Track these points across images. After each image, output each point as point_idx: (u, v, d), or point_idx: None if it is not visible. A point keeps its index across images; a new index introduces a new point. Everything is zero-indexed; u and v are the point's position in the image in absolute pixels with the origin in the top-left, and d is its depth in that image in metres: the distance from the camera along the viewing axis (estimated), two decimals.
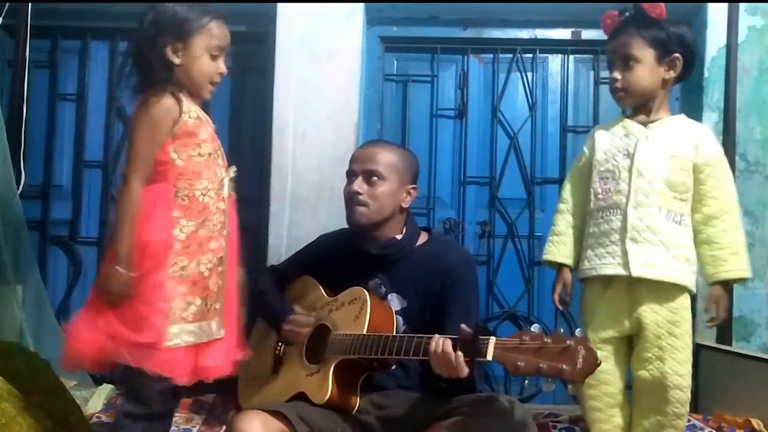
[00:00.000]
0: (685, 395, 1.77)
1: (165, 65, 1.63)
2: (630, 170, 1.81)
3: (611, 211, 1.83)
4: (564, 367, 1.41)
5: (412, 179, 1.98)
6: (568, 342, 1.43)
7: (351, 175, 1.95)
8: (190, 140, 1.61)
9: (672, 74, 1.83)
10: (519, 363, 1.45)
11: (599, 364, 1.42)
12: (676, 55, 1.81)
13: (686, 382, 1.77)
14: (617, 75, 1.83)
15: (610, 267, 1.81)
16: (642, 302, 1.79)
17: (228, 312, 1.66)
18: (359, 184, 1.91)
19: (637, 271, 1.77)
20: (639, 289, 1.80)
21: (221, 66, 1.69)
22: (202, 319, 1.59)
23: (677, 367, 1.75)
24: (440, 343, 1.58)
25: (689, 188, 1.80)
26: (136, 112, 1.62)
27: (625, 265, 1.78)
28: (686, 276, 1.79)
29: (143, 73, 1.64)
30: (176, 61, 1.63)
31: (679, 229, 1.79)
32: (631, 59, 1.80)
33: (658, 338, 1.76)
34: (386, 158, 1.93)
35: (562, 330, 1.47)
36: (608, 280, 1.85)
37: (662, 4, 1.80)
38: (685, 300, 1.80)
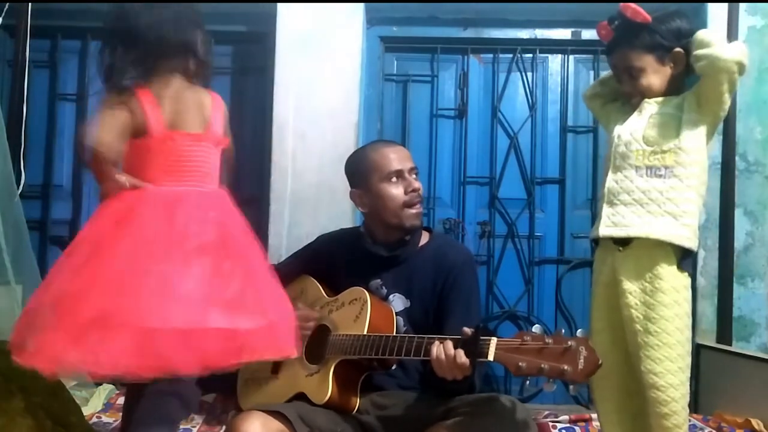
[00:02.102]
0: (664, 395, 1.68)
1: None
2: (615, 137, 1.80)
3: (605, 178, 1.82)
4: (565, 367, 1.41)
5: None
6: (569, 342, 1.43)
7: (398, 176, 1.89)
8: None
9: (679, 68, 1.79)
10: (520, 364, 1.45)
11: (601, 365, 1.42)
12: (677, 50, 1.78)
13: (663, 381, 1.68)
14: (628, 88, 1.82)
15: (594, 231, 1.80)
16: (621, 285, 1.73)
17: None
18: (417, 183, 1.91)
19: (604, 231, 1.75)
20: (619, 263, 1.74)
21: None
22: None
23: (652, 366, 1.69)
24: (441, 349, 1.57)
25: (668, 136, 1.74)
26: None
27: (598, 228, 1.77)
28: (665, 229, 1.71)
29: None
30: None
31: (664, 182, 1.73)
32: (634, 70, 1.79)
33: (634, 335, 1.71)
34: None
35: (563, 330, 1.47)
36: (602, 257, 1.81)
37: (637, 8, 1.75)
38: (671, 275, 1.70)
